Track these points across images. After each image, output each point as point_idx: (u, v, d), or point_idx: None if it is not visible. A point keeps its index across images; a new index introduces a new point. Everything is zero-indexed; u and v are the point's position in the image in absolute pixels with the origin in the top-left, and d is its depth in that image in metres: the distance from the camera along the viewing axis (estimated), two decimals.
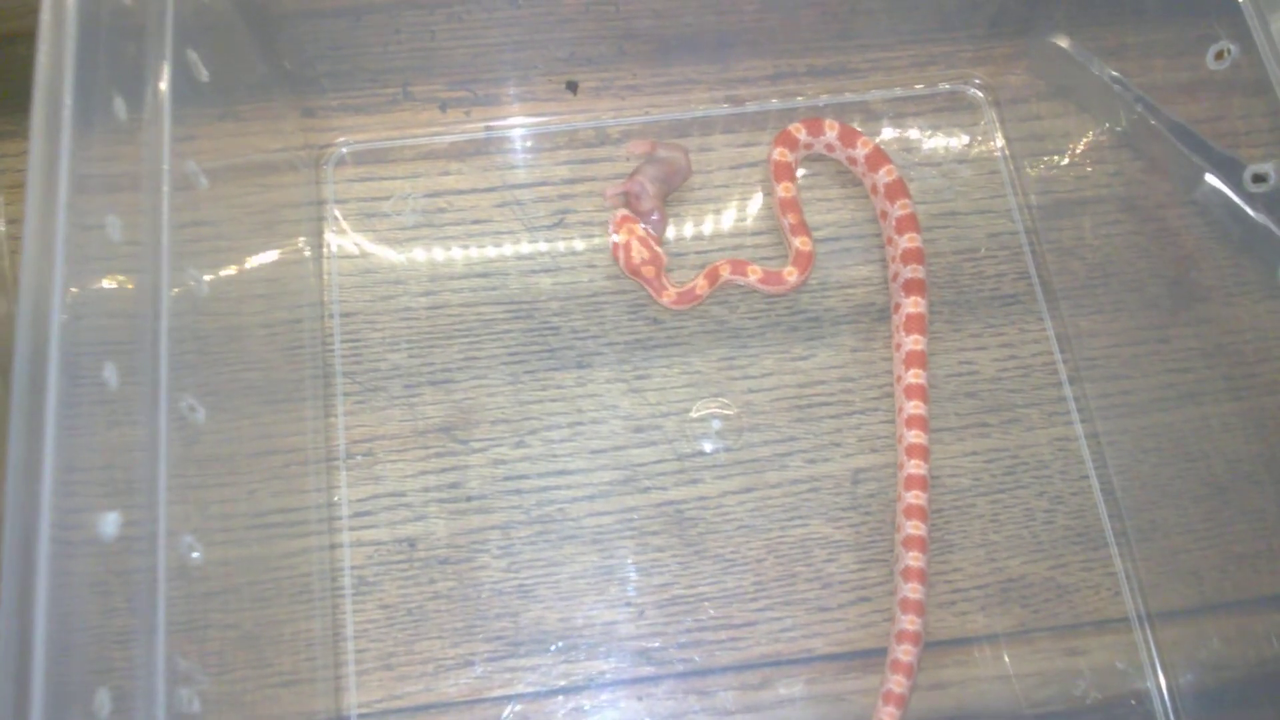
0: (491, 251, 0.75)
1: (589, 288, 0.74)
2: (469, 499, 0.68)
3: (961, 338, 0.73)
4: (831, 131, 0.76)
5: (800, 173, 0.77)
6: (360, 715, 0.64)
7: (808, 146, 0.77)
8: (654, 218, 0.73)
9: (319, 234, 0.75)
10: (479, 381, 0.71)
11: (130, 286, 0.46)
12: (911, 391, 0.69)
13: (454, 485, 0.69)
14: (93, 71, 0.44)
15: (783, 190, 0.74)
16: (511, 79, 0.78)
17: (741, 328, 0.73)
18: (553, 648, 0.65)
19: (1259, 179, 0.57)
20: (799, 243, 0.73)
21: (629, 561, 0.67)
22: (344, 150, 0.77)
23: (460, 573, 0.67)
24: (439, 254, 0.75)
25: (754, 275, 0.72)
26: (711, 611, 0.66)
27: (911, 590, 0.64)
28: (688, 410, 0.71)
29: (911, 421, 0.68)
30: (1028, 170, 0.78)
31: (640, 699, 0.64)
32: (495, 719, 0.64)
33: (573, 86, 0.78)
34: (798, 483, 0.70)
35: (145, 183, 0.48)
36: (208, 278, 0.53)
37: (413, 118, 0.77)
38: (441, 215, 0.76)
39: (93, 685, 0.39)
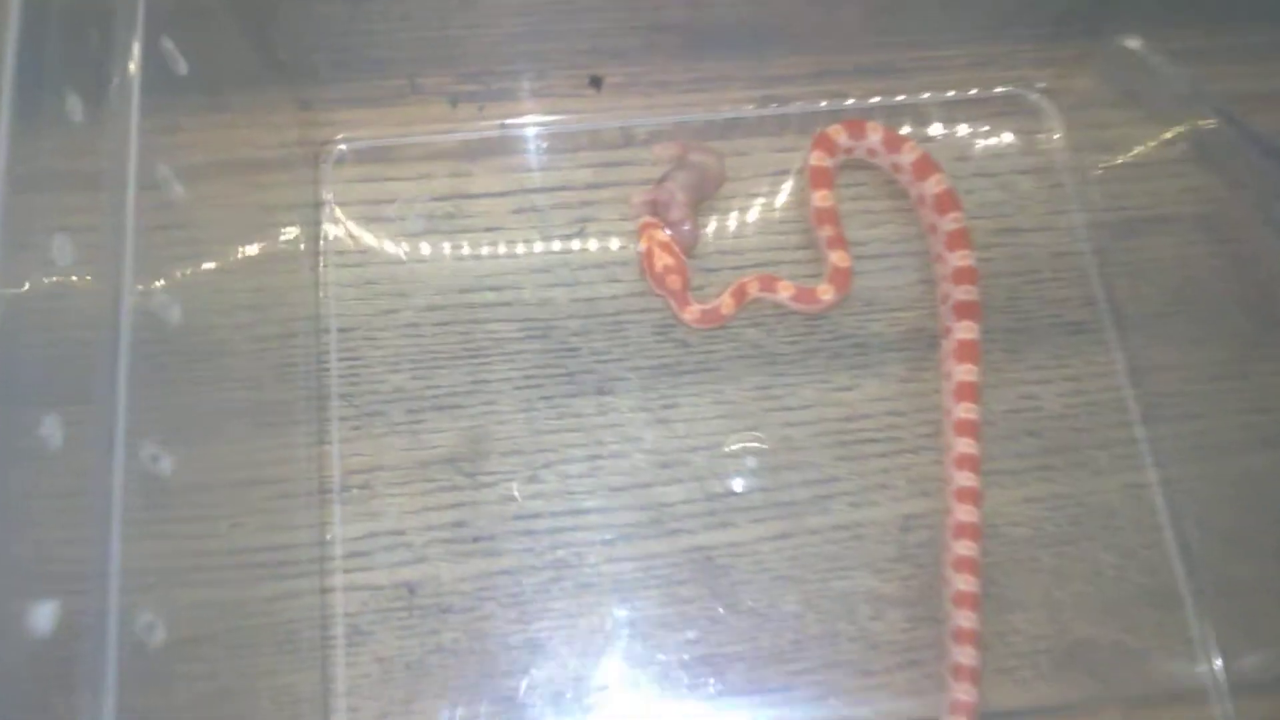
0: (505, 262, 0.73)
1: (612, 305, 0.72)
2: (476, 539, 0.67)
3: (1021, 369, 0.71)
4: (875, 135, 0.74)
5: (843, 182, 0.75)
6: None
7: (848, 151, 0.75)
8: (684, 228, 0.71)
9: (315, 239, 0.73)
10: (489, 408, 0.69)
11: (82, 310, 0.44)
12: (962, 428, 0.66)
13: (459, 524, 0.67)
14: (39, 62, 0.43)
15: (819, 199, 0.72)
16: (529, 72, 0.77)
17: (779, 353, 0.71)
18: (566, 711, 0.63)
19: None
20: (835, 258, 0.71)
21: (652, 614, 0.66)
22: (344, 148, 0.76)
23: (465, 623, 0.65)
24: (447, 264, 0.73)
25: (785, 292, 0.70)
26: (744, 673, 0.64)
27: (964, 655, 0.62)
28: (719, 445, 0.69)
29: (961, 462, 0.66)
30: (1095, 184, 0.76)
31: None
32: None
33: (596, 82, 0.77)
34: (840, 529, 0.68)
35: (106, 188, 0.47)
36: (182, 290, 0.51)
37: (420, 113, 0.76)
38: (450, 221, 0.74)
39: None
